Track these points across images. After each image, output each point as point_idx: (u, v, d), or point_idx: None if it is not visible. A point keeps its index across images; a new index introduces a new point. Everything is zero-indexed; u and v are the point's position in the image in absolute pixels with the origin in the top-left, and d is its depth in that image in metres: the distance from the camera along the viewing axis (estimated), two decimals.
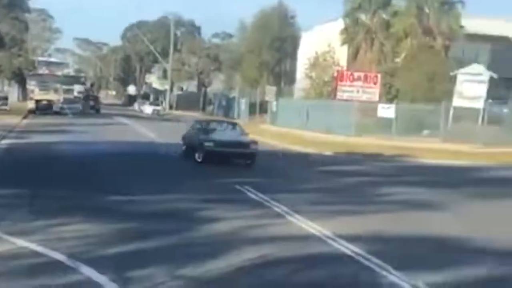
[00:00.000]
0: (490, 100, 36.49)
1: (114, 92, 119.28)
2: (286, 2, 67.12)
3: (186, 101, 74.52)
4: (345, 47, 48.43)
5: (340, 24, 48.48)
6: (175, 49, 79.14)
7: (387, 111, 36.32)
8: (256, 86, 56.73)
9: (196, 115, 61.30)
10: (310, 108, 42.99)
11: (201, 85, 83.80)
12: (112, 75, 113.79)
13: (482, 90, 36.08)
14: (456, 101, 36.02)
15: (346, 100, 39.43)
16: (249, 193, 16.00)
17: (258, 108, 52.42)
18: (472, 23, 42.37)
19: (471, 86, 36.37)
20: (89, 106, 62.45)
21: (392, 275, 9.33)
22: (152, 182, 17.52)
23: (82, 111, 59.95)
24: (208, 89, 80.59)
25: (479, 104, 35.11)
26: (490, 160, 26.95)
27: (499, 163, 26.10)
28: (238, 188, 16.72)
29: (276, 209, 14.09)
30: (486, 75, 36.87)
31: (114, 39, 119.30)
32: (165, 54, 79.47)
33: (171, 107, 74.25)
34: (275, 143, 33.11)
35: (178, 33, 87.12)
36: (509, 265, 10.49)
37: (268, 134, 37.33)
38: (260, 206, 14.42)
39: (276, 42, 65.17)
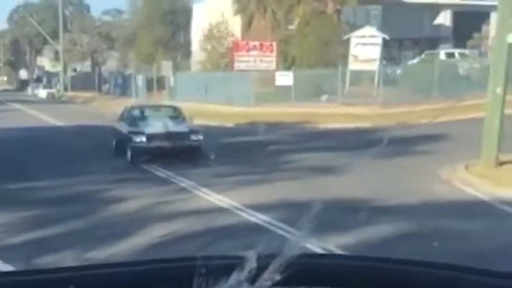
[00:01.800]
0: (384, 62, 37.24)
1: (5, 78, 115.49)
2: None
3: (81, 82, 72.78)
4: (239, 17, 48.28)
5: None
6: (65, 30, 77.03)
7: (285, 78, 36.49)
8: (152, 62, 55.97)
9: (91, 95, 60.09)
10: (208, 80, 42.73)
11: (95, 64, 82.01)
12: (1, 60, 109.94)
13: (375, 52, 36.77)
14: (352, 65, 36.57)
15: (244, 71, 39.40)
16: (156, 172, 15.76)
17: (156, 84, 51.73)
18: None
19: (365, 49, 37.00)
20: None
21: (308, 242, 9.35)
22: (56, 166, 16.98)
23: None
24: (103, 68, 78.99)
25: (374, 66, 35.76)
26: (387, 120, 27.48)
27: (395, 123, 26.66)
28: (144, 167, 16.45)
29: (182, 184, 13.93)
30: (378, 37, 37.56)
31: (1, 23, 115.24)
32: (55, 35, 77.28)
33: (66, 89, 72.45)
34: None
35: (67, 12, 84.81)
36: (405, 221, 10.76)
37: None
38: (167, 183, 14.22)
39: (168, 15, 64.41)
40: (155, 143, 17.84)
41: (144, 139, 17.93)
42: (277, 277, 1.46)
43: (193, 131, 18.79)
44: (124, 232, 9.82)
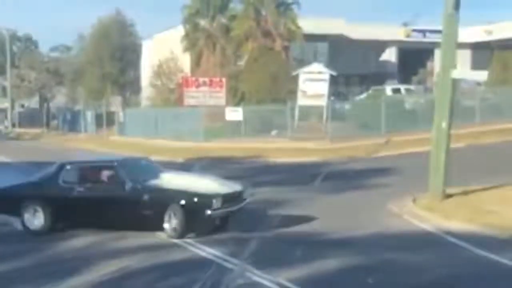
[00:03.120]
0: (332, 97, 37.74)
1: None
2: (123, 11, 66.28)
3: (28, 118, 71.89)
4: (188, 53, 48.51)
5: (180, 30, 48.52)
6: (13, 65, 76.17)
7: (234, 114, 36.63)
8: (101, 98, 55.66)
9: (40, 131, 59.42)
10: (158, 116, 42.67)
11: (44, 100, 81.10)
12: None
13: (323, 88, 37.26)
14: (301, 100, 36.97)
15: (193, 106, 39.47)
16: None
17: (105, 120, 51.42)
18: (309, 23, 43.64)
19: (313, 85, 37.46)
20: None
21: (255, 275, 9.41)
22: None
23: None
24: (51, 104, 78.18)
25: (322, 102, 36.18)
26: (336, 154, 27.81)
27: (344, 157, 27.00)
28: None
29: None
30: (326, 73, 38.09)
31: None
32: (2, 70, 76.34)
33: (13, 125, 71.46)
34: (127, 154, 32.53)
35: (15, 48, 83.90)
36: (353, 254, 10.90)
37: (118, 146, 36.68)
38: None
39: (117, 52, 64.26)
40: None
41: None
42: None
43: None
44: None
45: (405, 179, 19.84)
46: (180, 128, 38.15)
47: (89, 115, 54.03)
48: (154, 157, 30.34)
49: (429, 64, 50.81)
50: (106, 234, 12.60)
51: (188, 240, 12.04)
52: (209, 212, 12.24)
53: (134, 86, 64.39)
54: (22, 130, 64.95)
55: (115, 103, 49.22)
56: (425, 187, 16.07)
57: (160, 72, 49.25)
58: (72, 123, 57.86)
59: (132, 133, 43.87)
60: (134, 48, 63.82)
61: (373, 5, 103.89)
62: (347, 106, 38.50)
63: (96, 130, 51.45)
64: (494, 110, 34.99)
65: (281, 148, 30.63)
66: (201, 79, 41.00)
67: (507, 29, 46.36)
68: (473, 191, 16.32)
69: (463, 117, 29.97)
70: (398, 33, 50.79)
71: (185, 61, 48.72)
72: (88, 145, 40.44)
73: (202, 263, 10.28)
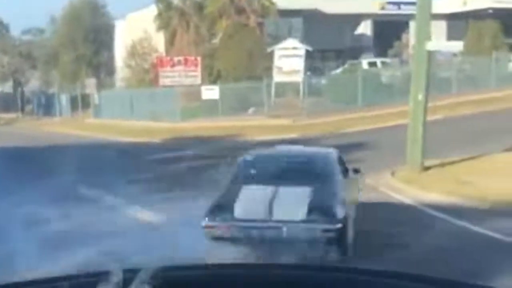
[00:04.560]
0: (308, 73, 37.66)
1: None
2: None
3: (2, 103, 71.08)
4: (162, 33, 48.10)
5: (153, 10, 48.04)
6: None
7: (211, 93, 36.49)
8: (75, 81, 55.18)
9: (14, 116, 58.88)
10: (133, 97, 42.40)
11: (17, 84, 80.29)
12: None
13: (299, 63, 37.16)
14: (276, 77, 36.86)
15: (169, 86, 39.22)
16: (82, 191, 15.48)
17: (80, 103, 51.01)
18: None
19: (289, 61, 37.36)
20: None
21: None
22: None
23: None
24: (26, 88, 77.41)
25: (298, 78, 36.10)
26: (314, 130, 27.78)
27: (322, 133, 26.97)
28: (70, 186, 16.12)
29: (111, 203, 13.72)
30: (301, 49, 37.98)
31: None
32: None
33: None
34: (103, 136, 32.38)
35: None
36: None
37: (94, 128, 36.45)
38: (95, 202, 13.98)
39: (90, 33, 63.62)
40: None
41: None
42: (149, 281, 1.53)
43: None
44: None
45: (382, 152, 19.83)
46: (156, 109, 37.92)
47: (64, 98, 53.59)
48: (130, 139, 30.32)
49: (404, 36, 50.76)
50: (77, 218, 12.47)
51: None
52: None
53: (108, 67, 63.90)
54: None
55: (90, 85, 48.79)
56: (403, 160, 16.07)
57: (134, 52, 48.84)
58: (47, 107, 57.38)
59: (108, 115, 43.57)
60: (107, 29, 63.27)
61: None
62: (323, 81, 38.46)
63: (71, 113, 51.06)
64: (470, 81, 35.15)
65: (259, 126, 30.53)
66: (175, 59, 40.71)
67: None
68: (451, 163, 16.36)
69: (439, 88, 30.03)
70: (372, 6, 50.67)
71: (159, 40, 48.32)
72: (63, 128, 40.11)
73: None
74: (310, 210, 9.13)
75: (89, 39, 63.61)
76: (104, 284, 1.49)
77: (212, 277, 1.88)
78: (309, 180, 9.92)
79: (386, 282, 1.76)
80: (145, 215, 12.66)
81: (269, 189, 9.67)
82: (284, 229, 9.06)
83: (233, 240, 8.94)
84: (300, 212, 9.12)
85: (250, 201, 9.49)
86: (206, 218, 9.38)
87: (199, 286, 1.81)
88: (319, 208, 9.20)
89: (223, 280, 1.85)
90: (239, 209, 9.37)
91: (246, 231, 9.11)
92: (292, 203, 9.33)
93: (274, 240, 8.94)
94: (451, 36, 43.68)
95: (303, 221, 9.07)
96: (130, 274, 1.55)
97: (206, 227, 9.28)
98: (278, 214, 9.22)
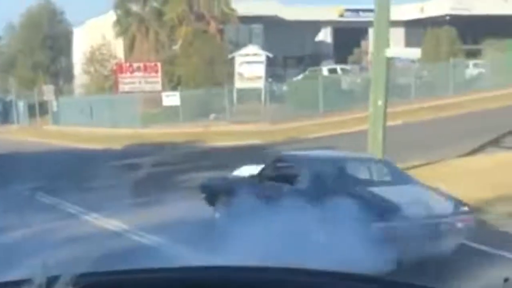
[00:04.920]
0: (270, 79, 37.76)
1: None
2: None
3: None
4: (121, 39, 47.77)
5: (112, 16, 47.72)
6: None
7: (171, 99, 36.35)
8: (33, 88, 54.52)
9: None
10: (93, 104, 42.05)
11: None
12: None
13: (260, 70, 37.26)
14: (238, 83, 36.89)
15: (129, 92, 38.97)
16: (41, 198, 15.27)
17: (38, 110, 50.41)
18: (243, 5, 43.45)
19: (250, 67, 37.43)
20: None
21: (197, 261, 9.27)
22: None
23: None
24: None
25: (260, 84, 36.20)
26: (277, 136, 27.84)
27: (285, 138, 27.04)
28: (27, 194, 15.89)
29: (70, 210, 13.55)
30: (262, 55, 38.08)
31: None
32: None
33: None
34: (62, 143, 32.05)
35: None
36: None
37: (53, 135, 36.04)
38: (53, 210, 13.79)
39: (48, 40, 63.06)
40: None
41: None
42: None
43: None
44: None
45: None
46: (116, 115, 37.66)
47: (21, 105, 52.91)
48: (90, 146, 30.01)
49: (363, 43, 51.22)
50: (39, 226, 12.28)
51: (126, 227, 11.81)
52: None
53: (66, 74, 63.29)
54: None
55: (48, 92, 48.22)
56: None
57: (93, 58, 48.43)
58: (4, 114, 56.55)
59: (67, 122, 43.15)
60: (66, 36, 62.70)
61: None
62: (284, 87, 38.61)
63: (29, 121, 50.40)
64: (429, 87, 35.57)
65: (221, 132, 30.51)
66: (135, 65, 40.50)
67: (439, 6, 47.11)
68: (412, 168, 16.47)
69: (399, 94, 30.34)
70: (332, 13, 51.02)
71: (118, 47, 47.99)
72: (21, 136, 39.58)
73: (143, 250, 10.12)
74: (453, 203, 9.94)
75: (47, 46, 63.03)
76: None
77: (135, 282, 1.91)
78: (395, 180, 11.06)
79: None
80: (102, 222, 12.53)
81: (394, 189, 10.42)
82: (451, 221, 9.71)
83: (410, 238, 9.19)
84: (452, 205, 9.86)
85: (403, 199, 9.79)
86: (380, 221, 9.34)
87: None
88: (452, 201, 10.02)
89: (145, 285, 1.87)
90: (407, 208, 9.58)
91: (425, 228, 9.46)
92: (432, 199, 10.03)
93: (446, 234, 9.56)
94: (409, 43, 44.18)
95: (456, 213, 9.80)
96: (53, 280, 1.55)
97: (381, 228, 9.27)
98: (438, 209, 9.81)
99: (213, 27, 43.63)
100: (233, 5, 43.82)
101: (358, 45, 51.59)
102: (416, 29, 47.13)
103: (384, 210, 9.57)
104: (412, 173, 15.86)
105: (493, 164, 16.64)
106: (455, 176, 15.11)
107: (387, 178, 11.28)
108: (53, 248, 10.36)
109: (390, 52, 16.49)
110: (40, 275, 1.51)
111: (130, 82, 39.53)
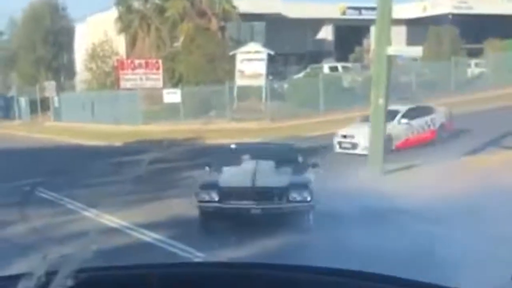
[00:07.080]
0: (270, 77, 37.71)
1: None
2: None
3: None
4: (122, 35, 47.76)
5: (114, 12, 47.69)
6: None
7: (172, 96, 36.32)
8: (35, 84, 54.55)
9: None
10: (94, 100, 42.03)
11: None
12: None
13: (261, 67, 37.17)
14: (239, 80, 36.84)
15: (130, 89, 38.96)
16: (41, 194, 15.27)
17: (40, 106, 50.45)
18: (245, 2, 43.42)
19: (251, 65, 37.36)
20: None
21: (197, 258, 9.31)
22: None
23: None
24: None
25: (261, 81, 36.13)
26: (277, 134, 27.80)
27: (285, 136, 27.00)
28: (28, 189, 15.91)
29: (69, 206, 13.56)
30: (263, 52, 38.02)
31: None
32: None
33: None
34: (63, 139, 32.06)
35: None
36: None
37: (54, 131, 36.06)
38: (53, 206, 13.81)
39: (50, 36, 63.02)
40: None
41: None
42: (69, 283, 1.57)
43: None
44: None
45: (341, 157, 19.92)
46: (117, 112, 37.66)
47: (23, 101, 52.95)
48: (91, 142, 30.03)
49: (365, 41, 51.21)
50: (41, 221, 12.28)
51: (126, 224, 11.81)
52: None
53: (68, 70, 63.29)
54: None
55: (49, 88, 48.26)
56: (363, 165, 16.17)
57: (95, 55, 48.42)
58: (6, 110, 56.63)
59: (68, 118, 43.17)
60: (67, 32, 62.70)
61: None
62: (285, 85, 38.56)
63: (30, 117, 50.45)
64: (430, 85, 35.53)
65: (221, 129, 30.48)
66: (136, 61, 40.46)
67: (441, 5, 47.08)
68: (415, 166, 16.52)
69: (400, 93, 30.31)
70: (334, 11, 50.98)
71: (120, 43, 47.98)
72: (22, 131, 39.62)
73: (144, 247, 10.10)
74: None
75: (49, 42, 62.98)
76: (25, 285, 1.52)
77: (132, 277, 1.94)
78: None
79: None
80: (102, 218, 12.54)
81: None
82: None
83: None
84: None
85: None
86: None
87: (119, 286, 1.86)
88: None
89: (143, 280, 1.89)
90: None
91: None
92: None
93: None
94: (410, 41, 44.17)
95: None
96: (51, 275, 1.58)
97: None
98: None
99: (214, 24, 43.59)
100: (235, 2, 43.80)
101: (359, 43, 51.58)
102: (418, 27, 47.07)
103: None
104: (416, 171, 15.93)
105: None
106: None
107: None
108: (52, 242, 10.41)
109: (391, 50, 16.50)
110: (39, 269, 1.53)
111: (132, 79, 39.49)
